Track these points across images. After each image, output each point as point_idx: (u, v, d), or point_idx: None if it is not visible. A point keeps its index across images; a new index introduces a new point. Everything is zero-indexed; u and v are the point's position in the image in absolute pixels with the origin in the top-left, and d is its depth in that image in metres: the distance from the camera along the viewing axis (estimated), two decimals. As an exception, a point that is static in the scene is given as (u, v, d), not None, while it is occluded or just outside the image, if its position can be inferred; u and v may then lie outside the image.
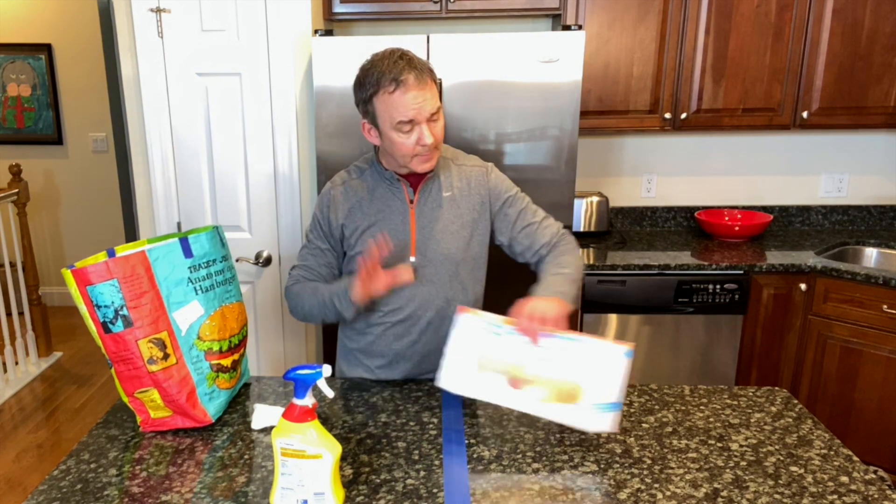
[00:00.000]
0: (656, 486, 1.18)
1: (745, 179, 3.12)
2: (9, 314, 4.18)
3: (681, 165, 3.10)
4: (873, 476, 1.20)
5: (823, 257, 2.67)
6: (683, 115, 2.70)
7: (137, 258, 1.29)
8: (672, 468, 1.23)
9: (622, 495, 1.15)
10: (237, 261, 2.47)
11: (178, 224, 2.47)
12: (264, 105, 2.36)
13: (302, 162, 2.42)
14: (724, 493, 1.15)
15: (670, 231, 3.11)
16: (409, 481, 1.19)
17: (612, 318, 2.62)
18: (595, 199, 2.87)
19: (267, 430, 1.37)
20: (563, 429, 1.36)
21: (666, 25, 2.62)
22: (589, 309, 2.60)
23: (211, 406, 1.38)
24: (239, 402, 1.49)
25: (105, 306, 1.26)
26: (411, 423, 1.38)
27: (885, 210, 3.11)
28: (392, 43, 2.22)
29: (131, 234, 3.35)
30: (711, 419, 1.40)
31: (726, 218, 3.03)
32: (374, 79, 1.39)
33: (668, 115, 2.70)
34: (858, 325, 2.46)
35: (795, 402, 1.48)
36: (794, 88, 2.68)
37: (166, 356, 1.32)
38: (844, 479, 1.20)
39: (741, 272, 2.55)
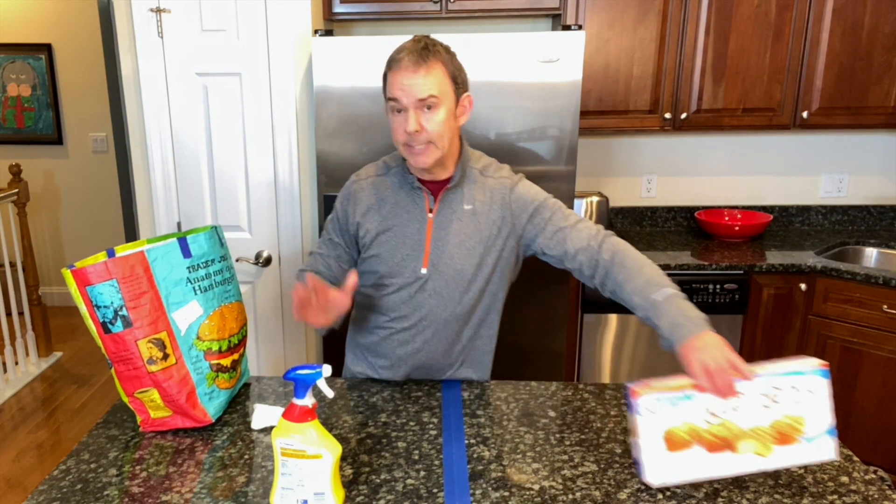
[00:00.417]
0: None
1: (745, 179, 3.12)
2: (9, 314, 4.18)
3: (681, 165, 3.10)
4: (873, 476, 1.20)
5: (823, 257, 2.67)
6: (683, 115, 2.70)
7: (136, 258, 1.29)
8: (672, 468, 1.22)
9: (622, 495, 1.15)
10: (237, 261, 2.47)
11: (178, 224, 2.47)
12: (264, 105, 2.36)
13: (302, 162, 2.42)
14: (725, 494, 1.15)
15: (670, 231, 3.11)
16: (409, 481, 1.19)
17: (613, 318, 2.62)
18: (595, 199, 2.86)
19: (267, 430, 1.37)
20: (563, 429, 1.36)
21: (666, 25, 2.62)
22: (589, 309, 2.60)
23: (211, 406, 1.38)
24: (239, 402, 1.49)
25: (104, 306, 1.26)
26: (411, 423, 1.38)
27: (885, 210, 3.11)
28: (392, 43, 2.22)
29: (131, 234, 3.36)
30: (711, 419, 1.40)
31: (726, 218, 3.03)
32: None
33: (668, 115, 2.70)
34: (858, 325, 2.46)
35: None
36: (794, 88, 2.68)
37: (166, 356, 1.32)
38: (844, 479, 1.20)
39: (741, 272, 2.55)
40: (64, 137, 4.66)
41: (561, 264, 1.49)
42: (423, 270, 1.48)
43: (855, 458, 1.26)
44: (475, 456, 1.27)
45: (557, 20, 2.74)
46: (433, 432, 1.35)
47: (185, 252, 1.36)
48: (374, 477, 1.20)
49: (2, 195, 3.54)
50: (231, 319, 1.43)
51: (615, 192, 3.13)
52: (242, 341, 1.47)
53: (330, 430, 1.35)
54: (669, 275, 2.54)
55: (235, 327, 1.44)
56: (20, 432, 3.18)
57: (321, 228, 2.40)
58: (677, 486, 1.17)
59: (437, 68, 1.35)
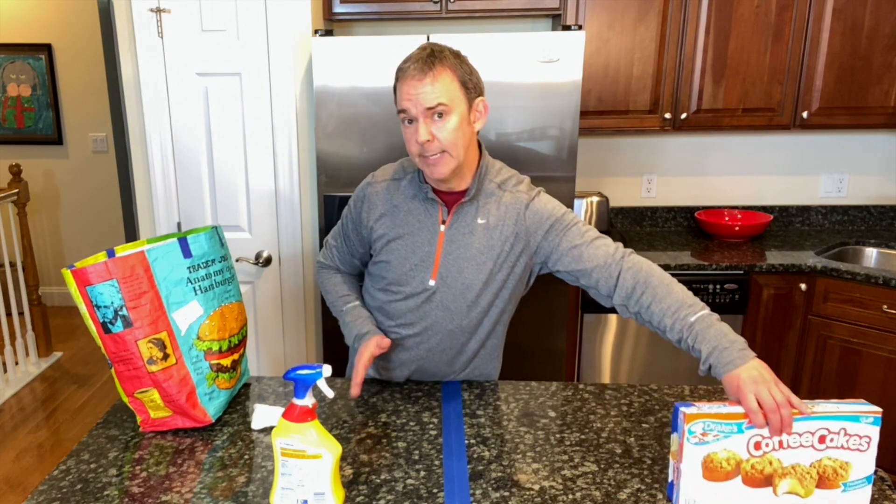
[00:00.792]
0: (656, 486, 1.18)
1: (745, 179, 3.12)
2: (9, 314, 4.18)
3: (681, 165, 3.10)
4: (873, 476, 1.20)
5: (823, 257, 2.67)
6: (683, 115, 2.70)
7: (136, 258, 1.29)
8: (672, 468, 1.22)
9: (622, 495, 1.15)
10: (237, 261, 2.47)
11: (178, 224, 2.47)
12: (264, 105, 2.36)
13: (302, 162, 2.42)
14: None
15: (670, 231, 3.11)
16: (409, 481, 1.19)
17: (613, 318, 2.62)
18: (595, 199, 2.86)
19: (267, 430, 1.37)
20: (563, 429, 1.36)
21: (666, 25, 2.62)
22: (589, 309, 2.60)
23: (211, 406, 1.38)
24: (239, 402, 1.49)
25: (104, 306, 1.26)
26: (411, 423, 1.38)
27: (885, 210, 3.11)
28: (392, 43, 2.22)
29: (131, 234, 3.36)
30: (711, 419, 1.40)
31: (726, 218, 3.03)
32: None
33: (668, 115, 2.70)
34: (858, 325, 2.46)
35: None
36: (794, 88, 2.68)
37: (166, 356, 1.32)
38: (844, 479, 1.19)
39: (741, 272, 2.55)
40: (64, 137, 4.66)
41: (576, 282, 1.44)
42: (432, 282, 1.46)
43: (855, 458, 1.26)
44: (475, 456, 1.27)
45: (557, 20, 2.74)
46: (433, 432, 1.35)
47: (186, 252, 1.36)
48: (374, 477, 1.20)
49: (2, 195, 3.54)
50: (231, 319, 1.43)
51: (615, 192, 3.13)
52: (242, 341, 1.47)
53: (330, 430, 1.35)
54: (670, 274, 2.55)
55: (236, 327, 1.44)
56: (20, 432, 3.18)
57: (321, 228, 2.40)
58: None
59: (444, 75, 1.31)
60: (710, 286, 2.55)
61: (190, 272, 1.36)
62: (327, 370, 1.09)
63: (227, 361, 1.41)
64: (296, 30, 2.31)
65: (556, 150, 2.30)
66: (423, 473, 1.21)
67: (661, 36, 2.63)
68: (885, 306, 2.40)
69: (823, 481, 1.10)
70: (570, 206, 2.35)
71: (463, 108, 1.34)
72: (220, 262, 1.43)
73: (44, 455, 2.99)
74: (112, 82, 3.11)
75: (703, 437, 1.08)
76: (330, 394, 1.12)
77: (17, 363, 3.75)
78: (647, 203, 3.14)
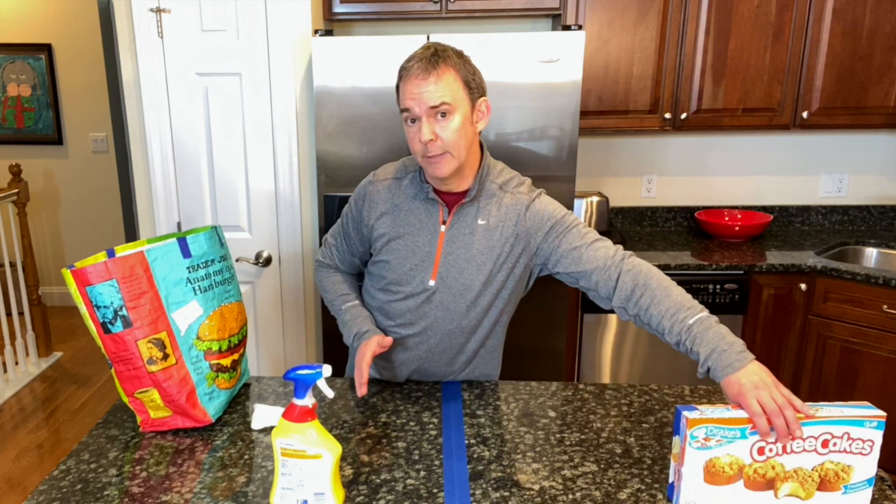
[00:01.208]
0: (656, 486, 1.18)
1: (745, 179, 3.12)
2: (9, 314, 4.18)
3: (681, 165, 3.10)
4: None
5: (823, 257, 2.67)
6: (683, 115, 2.70)
7: (136, 258, 1.29)
8: (672, 468, 1.22)
9: (622, 495, 1.15)
10: (237, 261, 2.47)
11: (178, 224, 2.47)
12: (264, 105, 2.36)
13: (302, 162, 2.42)
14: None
15: (670, 231, 3.11)
16: (409, 481, 1.19)
17: (613, 318, 2.62)
18: (595, 199, 2.86)
19: (267, 430, 1.37)
20: (563, 429, 1.36)
21: (666, 25, 2.62)
22: (589, 309, 2.59)
23: (211, 406, 1.38)
24: (239, 402, 1.49)
25: (104, 307, 1.26)
26: (411, 423, 1.38)
27: (885, 210, 3.11)
28: (392, 43, 2.22)
29: (131, 234, 3.36)
30: (711, 419, 1.40)
31: (726, 218, 3.03)
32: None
33: (668, 115, 2.70)
34: (858, 325, 2.46)
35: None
36: (794, 88, 2.68)
37: (166, 356, 1.32)
38: (844, 479, 1.19)
39: (741, 272, 2.55)
40: (64, 137, 4.66)
41: (576, 284, 1.44)
42: (431, 283, 1.46)
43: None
44: (475, 456, 1.27)
45: (557, 20, 2.74)
46: (433, 432, 1.35)
47: (185, 252, 1.36)
48: (374, 477, 1.20)
49: (2, 195, 3.54)
50: (231, 319, 1.43)
51: (615, 192, 3.13)
52: (242, 341, 1.47)
53: (330, 430, 1.35)
54: (669, 275, 2.55)
55: (235, 327, 1.44)
56: (20, 432, 3.18)
57: (321, 228, 2.40)
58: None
59: (447, 74, 1.31)
60: (710, 286, 2.55)
61: (189, 272, 1.36)
62: (327, 370, 1.09)
63: (226, 361, 1.41)
64: (296, 30, 2.31)
65: (556, 150, 2.30)
66: (423, 473, 1.21)
67: (661, 36, 2.63)
68: (885, 306, 2.40)
69: (825, 484, 1.10)
70: (570, 206, 2.35)
71: (466, 108, 1.35)
72: (219, 262, 1.43)
73: (44, 455, 2.99)
74: (112, 82, 3.11)
75: (705, 442, 1.08)
76: (330, 394, 1.12)
77: (17, 363, 3.75)
78: (647, 203, 3.14)
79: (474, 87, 1.36)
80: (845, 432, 1.09)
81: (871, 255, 2.87)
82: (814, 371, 2.59)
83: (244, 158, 2.41)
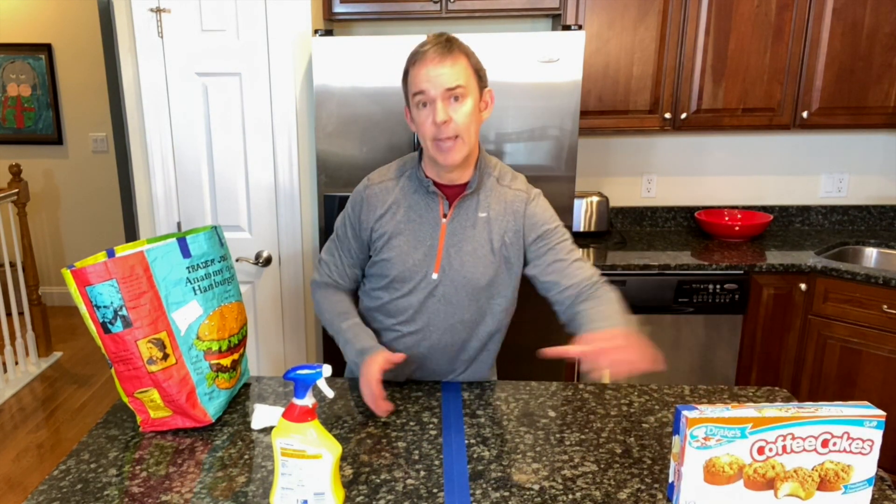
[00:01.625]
0: (656, 486, 1.18)
1: (745, 179, 3.12)
2: (9, 314, 4.18)
3: (681, 165, 3.10)
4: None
5: (823, 257, 2.67)
6: (683, 115, 2.69)
7: (136, 258, 1.29)
8: (672, 468, 1.22)
9: (622, 495, 1.15)
10: (237, 261, 2.47)
11: (178, 224, 2.47)
12: (264, 105, 2.36)
13: (302, 162, 2.42)
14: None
15: (670, 231, 3.11)
16: (409, 481, 1.19)
17: (612, 318, 2.61)
18: (595, 199, 2.87)
19: (267, 430, 1.37)
20: (563, 429, 1.36)
21: (666, 25, 2.62)
22: (589, 309, 2.59)
23: (211, 406, 1.38)
24: (239, 402, 1.49)
25: (104, 307, 1.26)
26: (411, 423, 1.38)
27: (885, 210, 3.11)
28: (392, 43, 2.22)
29: (131, 235, 3.36)
30: (711, 419, 1.40)
31: (726, 218, 3.03)
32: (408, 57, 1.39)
33: (668, 115, 2.70)
34: (858, 325, 2.46)
35: (796, 402, 1.47)
36: (793, 88, 2.68)
37: (166, 356, 1.32)
38: (844, 479, 1.19)
39: (741, 272, 2.55)
40: (64, 137, 4.66)
41: (545, 292, 1.49)
42: (434, 276, 1.47)
43: (855, 458, 1.26)
44: (475, 456, 1.27)
45: (557, 20, 2.74)
46: (433, 432, 1.35)
47: (185, 252, 1.36)
48: (374, 477, 1.20)
49: (2, 195, 3.54)
50: (231, 319, 1.43)
51: (615, 192, 3.13)
52: (242, 341, 1.47)
53: (330, 430, 1.35)
54: (669, 275, 2.55)
55: (235, 327, 1.44)
56: (20, 432, 3.18)
57: (321, 228, 2.40)
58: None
59: (462, 60, 1.35)
60: (710, 286, 2.55)
61: (189, 272, 1.36)
62: (327, 370, 1.09)
63: (226, 361, 1.41)
64: (296, 30, 2.31)
65: (556, 150, 2.30)
66: (423, 473, 1.21)
67: (661, 36, 2.63)
68: (885, 306, 2.40)
69: (825, 484, 1.10)
70: (570, 206, 2.35)
71: (476, 95, 1.38)
72: (219, 261, 1.43)
73: (44, 455, 2.99)
74: (112, 82, 3.11)
75: (705, 442, 1.08)
76: (330, 394, 1.12)
77: (17, 363, 3.75)
78: (647, 203, 3.14)
79: (482, 76, 1.41)
80: (845, 432, 1.09)
81: (871, 255, 2.87)
82: (814, 371, 2.58)
83: (244, 158, 2.41)
